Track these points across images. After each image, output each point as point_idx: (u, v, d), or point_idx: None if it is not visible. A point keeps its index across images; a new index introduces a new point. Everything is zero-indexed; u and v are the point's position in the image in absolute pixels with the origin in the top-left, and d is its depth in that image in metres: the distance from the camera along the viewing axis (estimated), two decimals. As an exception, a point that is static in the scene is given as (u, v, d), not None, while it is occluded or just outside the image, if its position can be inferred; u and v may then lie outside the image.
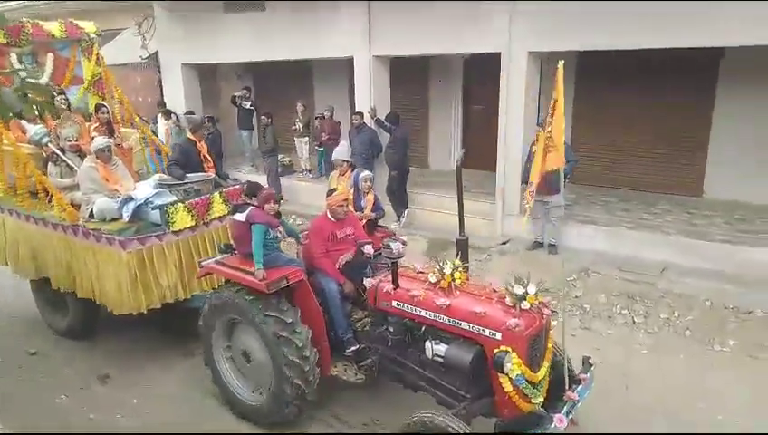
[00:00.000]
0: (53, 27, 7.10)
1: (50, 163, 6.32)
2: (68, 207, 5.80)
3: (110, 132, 6.88)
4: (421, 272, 4.74)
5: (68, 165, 6.30)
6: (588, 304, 7.20)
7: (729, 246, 7.52)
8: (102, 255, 5.52)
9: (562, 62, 4.45)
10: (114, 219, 5.64)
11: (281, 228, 5.09)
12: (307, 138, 12.60)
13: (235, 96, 12.94)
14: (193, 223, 5.70)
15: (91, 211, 5.73)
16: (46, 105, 7.00)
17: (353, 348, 4.90)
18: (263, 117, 11.98)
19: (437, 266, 4.46)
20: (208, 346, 5.24)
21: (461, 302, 4.26)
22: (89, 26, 7.49)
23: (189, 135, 6.94)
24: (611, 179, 10.24)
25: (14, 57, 6.84)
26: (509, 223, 9.50)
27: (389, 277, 4.70)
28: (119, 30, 15.02)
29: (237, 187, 6.25)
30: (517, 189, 9.05)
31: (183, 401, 5.57)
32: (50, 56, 7.17)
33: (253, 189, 5.13)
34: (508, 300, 4.07)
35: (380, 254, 4.97)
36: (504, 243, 9.11)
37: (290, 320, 4.61)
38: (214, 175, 6.73)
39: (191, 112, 12.48)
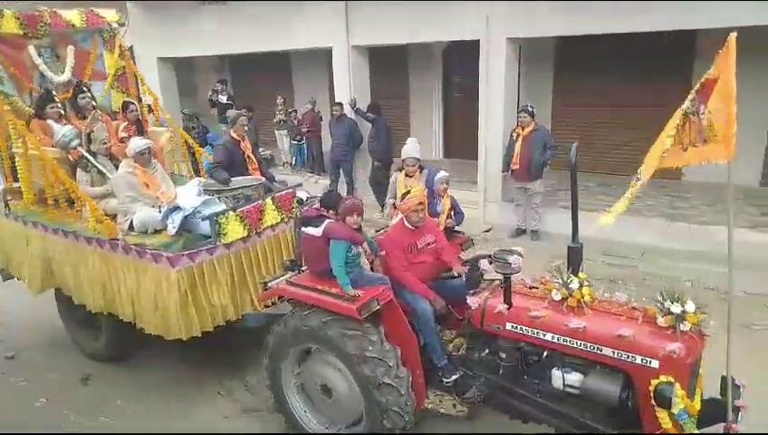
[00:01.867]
0: (73, 16, 6.15)
1: (79, 169, 5.33)
2: (105, 220, 4.82)
3: (140, 132, 6.07)
4: (533, 287, 3.97)
5: (99, 171, 5.33)
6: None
7: (708, 228, 7.40)
8: (147, 273, 4.60)
9: (734, 34, 3.11)
10: (157, 231, 4.76)
11: (365, 244, 4.30)
12: (287, 130, 12.02)
13: (210, 96, 12.07)
14: (245, 234, 4.80)
15: (131, 223, 4.84)
16: (70, 103, 6.07)
17: (453, 377, 4.05)
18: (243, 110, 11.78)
19: (560, 281, 3.68)
20: (275, 376, 4.40)
21: (598, 323, 3.49)
22: (110, 15, 6.54)
23: (232, 133, 5.88)
24: (591, 165, 9.88)
25: (32, 50, 5.85)
26: (491, 210, 9.33)
27: (497, 294, 3.94)
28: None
29: (290, 191, 5.35)
30: (498, 177, 8.76)
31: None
32: (70, 49, 6.16)
33: (332, 201, 4.30)
34: (661, 320, 3.36)
35: (472, 271, 4.26)
36: (487, 231, 8.78)
37: (375, 337, 3.85)
38: (263, 178, 5.75)
39: (193, 116, 11.85)
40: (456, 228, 5.18)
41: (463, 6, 8.68)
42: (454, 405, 4.15)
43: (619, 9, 7.43)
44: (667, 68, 8.97)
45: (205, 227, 4.70)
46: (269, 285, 4.40)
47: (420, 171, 5.47)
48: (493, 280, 4.19)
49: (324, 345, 4.03)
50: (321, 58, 11.52)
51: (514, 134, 8.00)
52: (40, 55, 5.94)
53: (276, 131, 11.99)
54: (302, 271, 4.37)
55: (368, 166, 9.75)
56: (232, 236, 4.70)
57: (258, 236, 4.99)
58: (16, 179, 5.67)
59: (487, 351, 4.03)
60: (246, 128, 6.15)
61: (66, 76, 6.14)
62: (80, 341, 5.97)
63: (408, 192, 4.44)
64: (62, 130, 5.40)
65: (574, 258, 3.86)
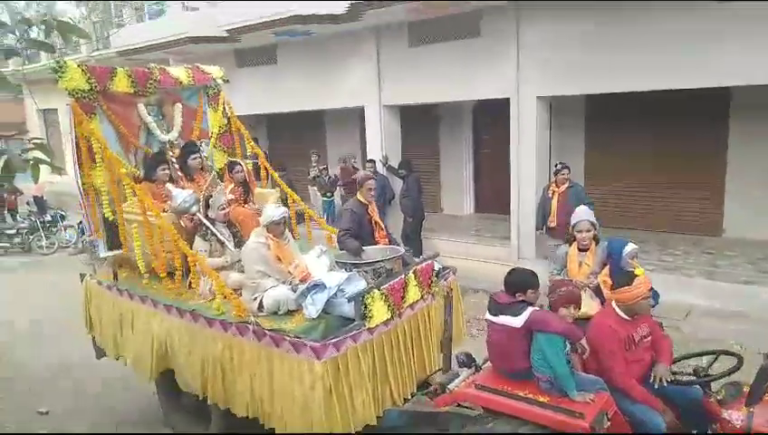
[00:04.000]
0: (180, 73, 5.83)
1: (197, 238, 4.73)
2: (234, 298, 4.16)
3: (246, 193, 5.66)
4: None
5: (218, 239, 4.78)
6: (611, 350, 6.90)
7: (754, 287, 7.18)
8: (283, 364, 3.82)
9: None
10: (290, 312, 4.09)
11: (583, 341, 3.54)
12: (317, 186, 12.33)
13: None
14: (389, 315, 4.06)
15: (260, 302, 4.17)
16: (179, 164, 5.59)
17: None
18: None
19: None
20: None
21: None
22: (215, 71, 6.20)
23: (358, 196, 5.19)
24: (625, 221, 9.73)
25: (141, 109, 5.49)
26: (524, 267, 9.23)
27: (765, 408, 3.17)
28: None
29: (429, 263, 4.60)
30: (532, 234, 8.64)
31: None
32: (178, 107, 5.77)
33: (526, 281, 3.60)
34: None
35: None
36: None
37: None
38: (400, 248, 4.99)
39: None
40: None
41: (492, 66, 8.83)
42: None
43: (649, 67, 7.45)
44: (701, 125, 8.86)
45: (345, 307, 4.00)
46: (449, 387, 3.75)
47: (596, 242, 4.54)
48: (739, 383, 3.51)
49: None
50: (353, 116, 11.79)
51: (549, 191, 7.93)
52: (149, 114, 5.59)
53: (310, 187, 12.17)
54: (479, 367, 3.83)
55: (399, 221, 9.76)
56: (377, 319, 3.98)
57: (399, 318, 4.24)
58: (116, 246, 5.15)
59: None
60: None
61: (174, 135, 5.74)
62: (177, 427, 5.20)
63: (596, 274, 3.92)
64: (182, 195, 4.84)
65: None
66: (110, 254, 5.20)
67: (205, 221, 4.80)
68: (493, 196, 10.40)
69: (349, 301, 3.92)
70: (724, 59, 6.92)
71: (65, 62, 4.90)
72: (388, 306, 4.05)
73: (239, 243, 4.81)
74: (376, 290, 3.97)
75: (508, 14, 8.52)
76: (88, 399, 6.07)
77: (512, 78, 8.68)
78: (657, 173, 9.45)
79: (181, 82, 5.79)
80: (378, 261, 4.52)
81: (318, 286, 4.01)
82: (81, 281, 5.63)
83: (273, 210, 4.44)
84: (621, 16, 7.56)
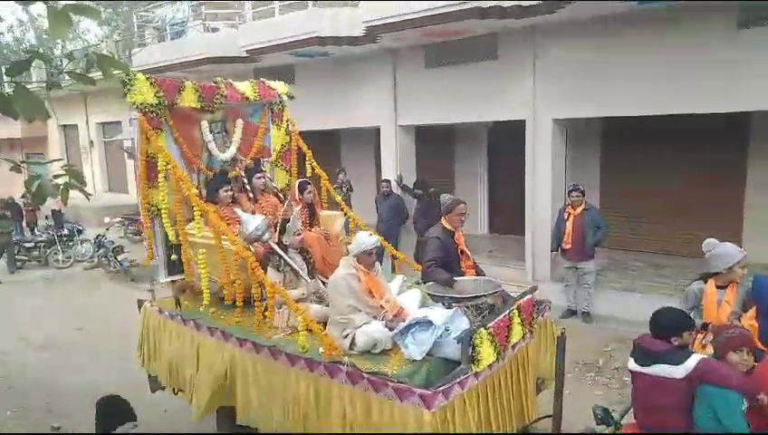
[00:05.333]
0: (246, 88, 5.51)
1: (270, 269, 4.32)
2: (324, 335, 3.69)
3: (312, 216, 5.29)
4: None
5: (293, 270, 4.38)
6: (628, 376, 6.74)
7: None
8: (383, 411, 3.33)
9: None
10: (384, 352, 3.66)
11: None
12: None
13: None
14: (494, 358, 3.57)
15: (352, 340, 3.72)
16: (240, 184, 5.26)
17: None
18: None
19: None
20: None
21: None
22: (280, 87, 5.89)
23: (444, 223, 4.64)
24: (641, 244, 9.68)
25: (204, 126, 5.09)
26: (540, 290, 9.15)
27: None
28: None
29: (530, 297, 4.16)
30: (547, 255, 8.58)
31: None
32: (239, 123, 5.42)
33: (680, 322, 3.15)
34: None
35: None
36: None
37: None
38: (500, 281, 4.34)
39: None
40: None
41: (508, 88, 8.89)
42: None
43: (665, 91, 7.45)
44: (719, 148, 8.79)
45: (448, 348, 3.53)
46: None
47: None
48: None
49: None
50: (369, 135, 11.88)
51: (565, 213, 7.91)
52: (211, 131, 5.20)
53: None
54: (618, 424, 3.39)
55: (413, 242, 9.76)
56: (485, 362, 3.50)
57: (502, 360, 3.75)
58: (176, 271, 4.87)
59: None
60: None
61: (231, 153, 5.31)
62: None
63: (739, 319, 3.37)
64: (255, 222, 4.49)
65: None
66: (169, 279, 4.90)
67: (278, 250, 4.38)
68: (507, 217, 10.37)
69: (458, 341, 3.44)
70: (743, 84, 6.90)
71: (134, 75, 4.62)
72: (495, 347, 3.59)
73: (311, 271, 4.49)
74: (483, 329, 3.51)
75: (525, 36, 8.58)
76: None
77: (528, 100, 8.72)
78: (674, 197, 9.38)
79: (247, 98, 5.49)
80: (481, 296, 3.99)
81: (420, 324, 3.56)
82: (139, 308, 5.21)
83: (364, 238, 3.97)
84: (639, 40, 7.59)
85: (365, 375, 3.42)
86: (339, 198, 5.96)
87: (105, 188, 20.74)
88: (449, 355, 3.50)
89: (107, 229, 14.11)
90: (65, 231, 13.60)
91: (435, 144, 11.47)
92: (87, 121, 19.99)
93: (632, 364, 3.24)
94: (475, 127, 11.15)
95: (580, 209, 7.74)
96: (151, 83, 4.66)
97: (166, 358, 4.85)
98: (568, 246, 7.87)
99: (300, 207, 5.06)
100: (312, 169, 5.83)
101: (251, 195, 5.28)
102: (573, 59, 8.21)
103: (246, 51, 10.69)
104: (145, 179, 4.65)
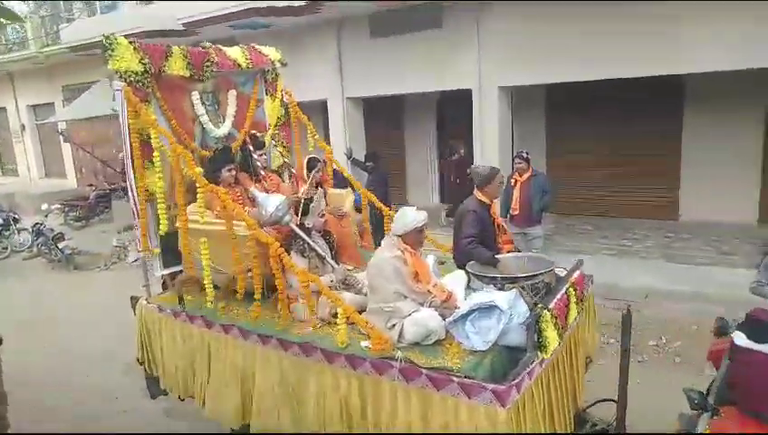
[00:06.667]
0: (237, 54, 4.93)
1: (294, 254, 3.86)
2: (371, 328, 3.28)
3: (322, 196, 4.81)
4: None
5: (318, 255, 3.94)
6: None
7: (709, 268, 7.46)
8: (447, 411, 2.94)
9: None
10: (437, 343, 3.28)
11: None
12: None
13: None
14: (558, 341, 3.23)
15: (400, 331, 3.31)
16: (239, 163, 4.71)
17: None
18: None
19: None
20: None
21: None
22: (273, 53, 5.29)
23: (480, 194, 4.18)
24: (587, 208, 9.96)
25: (195, 98, 4.56)
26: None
27: None
28: (89, 83, 14.98)
29: (579, 272, 3.86)
30: (496, 222, 9.06)
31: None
32: (232, 94, 4.87)
33: None
34: None
35: None
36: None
37: None
38: (549, 259, 3.95)
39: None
40: None
41: (454, 57, 8.90)
42: None
43: (605, 56, 7.63)
44: (657, 112, 9.11)
45: (513, 335, 3.19)
46: None
47: None
48: None
49: None
50: (316, 109, 11.71)
51: (512, 180, 8.06)
52: (202, 104, 4.64)
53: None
54: (716, 410, 3.09)
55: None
56: (552, 347, 3.17)
57: (561, 343, 3.39)
58: (172, 263, 4.40)
59: None
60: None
61: (226, 129, 4.79)
62: None
63: None
64: (274, 202, 3.94)
65: None
66: (167, 272, 4.46)
67: (301, 233, 3.92)
68: (458, 186, 10.47)
69: (527, 327, 3.08)
70: (678, 48, 7.15)
71: (115, 38, 4.08)
72: (557, 330, 3.24)
73: (334, 256, 4.08)
74: (547, 312, 3.16)
75: (469, 4, 8.58)
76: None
77: (473, 69, 8.77)
78: (616, 160, 9.70)
79: (239, 65, 4.92)
80: (538, 274, 3.61)
81: (480, 310, 3.17)
82: (133, 306, 4.67)
83: (413, 214, 3.53)
84: (579, 7, 7.70)
85: (424, 371, 3.02)
86: (347, 174, 5.57)
87: (41, 174, 19.81)
88: (512, 342, 3.16)
89: (45, 217, 13.49)
90: (0, 220, 12.93)
91: (384, 115, 11.43)
92: (16, 105, 18.95)
93: (742, 340, 2.94)
94: (424, 96, 11.16)
95: (526, 176, 7.89)
96: (135, 48, 4.15)
97: (170, 361, 4.35)
98: (516, 213, 8.02)
99: (308, 185, 4.65)
100: (315, 144, 5.39)
101: (262, 173, 4.79)
102: (517, 27, 8.30)
103: (183, 24, 10.27)
104: (140, 159, 4.13)
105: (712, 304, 6.79)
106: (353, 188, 5.46)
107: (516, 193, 7.94)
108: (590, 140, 9.82)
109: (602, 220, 9.68)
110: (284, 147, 5.41)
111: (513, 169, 8.20)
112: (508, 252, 4.19)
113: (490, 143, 8.95)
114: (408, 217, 3.49)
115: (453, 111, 10.90)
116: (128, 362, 5.52)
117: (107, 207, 14.46)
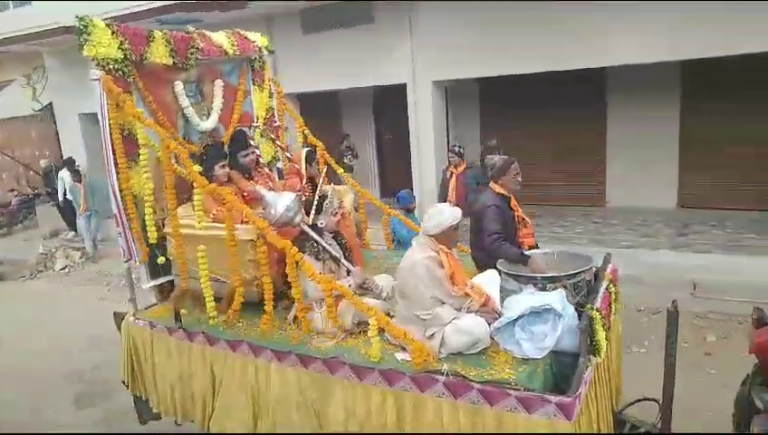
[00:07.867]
0: (223, 40, 4.50)
1: (307, 257, 3.43)
2: (410, 339, 2.93)
3: (313, 190, 4.34)
4: None
5: (332, 257, 3.58)
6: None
7: (633, 251, 7.82)
8: (506, 427, 2.67)
9: None
10: (480, 351, 2.98)
11: None
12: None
13: None
14: (606, 342, 3.04)
15: (441, 340, 3.01)
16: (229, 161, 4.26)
17: None
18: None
19: None
20: None
21: None
22: (259, 39, 4.90)
23: (497, 187, 4.04)
24: (522, 197, 10.41)
25: (179, 88, 4.14)
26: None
27: None
28: (4, 82, 14.14)
29: (613, 266, 3.76)
30: (434, 214, 9.21)
31: None
32: (218, 84, 4.45)
33: None
34: None
35: None
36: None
37: None
38: (586, 255, 3.63)
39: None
40: None
41: (387, 53, 8.97)
42: None
43: (534, 51, 7.90)
44: (583, 103, 9.51)
45: (566, 340, 2.90)
46: None
47: None
48: None
49: None
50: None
51: (448, 172, 8.23)
52: (187, 95, 4.22)
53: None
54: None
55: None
56: (603, 350, 2.97)
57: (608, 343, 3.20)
58: (161, 273, 3.98)
59: None
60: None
61: (213, 122, 4.37)
62: None
63: None
64: (284, 201, 3.50)
65: None
66: (155, 283, 4.05)
67: (315, 235, 3.54)
68: (396, 179, 10.60)
69: (582, 331, 2.82)
70: (602, 41, 7.47)
71: (91, 21, 3.66)
72: (605, 330, 3.05)
73: (349, 258, 3.76)
74: (596, 312, 2.95)
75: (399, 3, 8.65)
76: None
77: (407, 64, 8.87)
78: (548, 150, 10.07)
79: (226, 52, 4.51)
80: (580, 272, 3.32)
81: (531, 314, 2.89)
82: (118, 324, 4.21)
83: (448, 211, 3.18)
84: (509, 2, 7.91)
85: (475, 385, 2.73)
86: (341, 171, 5.29)
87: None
88: (565, 347, 2.88)
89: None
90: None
91: (321, 111, 11.37)
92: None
93: None
94: (360, 90, 11.18)
95: (462, 168, 8.08)
96: (113, 32, 3.73)
97: (164, 383, 3.95)
98: (451, 204, 8.20)
99: (305, 181, 4.33)
100: (305, 138, 5.06)
101: (262, 170, 4.50)
102: (449, 21, 8.44)
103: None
104: (123, 158, 3.70)
105: (636, 285, 7.18)
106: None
107: (452, 185, 8.13)
108: (522, 132, 10.13)
109: (537, 208, 10.03)
110: (273, 141, 5.06)
111: (448, 161, 8.39)
112: (530, 247, 3.97)
113: (425, 136, 9.09)
114: (444, 214, 3.14)
115: (390, 106, 10.99)
116: (66, 376, 5.22)
117: (30, 212, 13.73)
